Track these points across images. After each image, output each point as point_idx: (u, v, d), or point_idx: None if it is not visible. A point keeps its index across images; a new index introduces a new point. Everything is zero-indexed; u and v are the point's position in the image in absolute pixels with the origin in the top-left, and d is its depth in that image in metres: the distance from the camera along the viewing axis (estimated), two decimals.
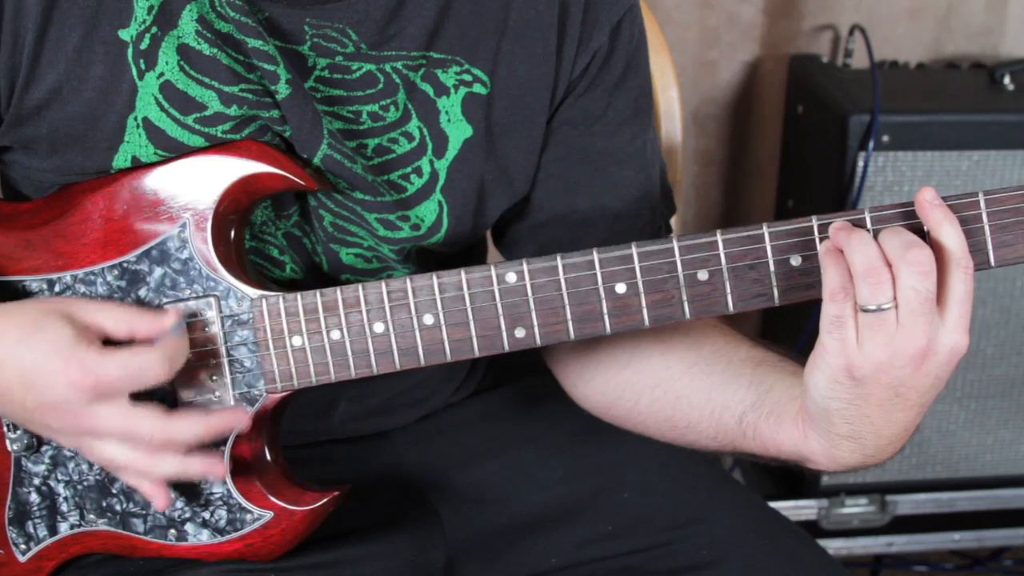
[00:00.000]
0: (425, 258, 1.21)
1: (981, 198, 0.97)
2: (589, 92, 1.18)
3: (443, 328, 1.05)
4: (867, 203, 2.00)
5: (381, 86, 1.11)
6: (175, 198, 1.08)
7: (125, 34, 1.06)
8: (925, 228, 0.97)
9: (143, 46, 1.06)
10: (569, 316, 1.03)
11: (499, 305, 1.04)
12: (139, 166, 1.09)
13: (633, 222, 1.21)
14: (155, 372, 1.00)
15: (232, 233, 1.09)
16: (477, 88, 1.13)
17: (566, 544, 1.22)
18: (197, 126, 1.08)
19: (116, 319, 1.03)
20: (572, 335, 1.04)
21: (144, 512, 1.11)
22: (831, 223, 0.98)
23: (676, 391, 1.15)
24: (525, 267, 1.03)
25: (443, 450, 1.32)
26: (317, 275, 1.18)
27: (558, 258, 1.03)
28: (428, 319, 1.05)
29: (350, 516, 1.16)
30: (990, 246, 0.98)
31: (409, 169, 1.13)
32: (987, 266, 0.98)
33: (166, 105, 1.07)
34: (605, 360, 1.20)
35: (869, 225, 0.98)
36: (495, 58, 1.13)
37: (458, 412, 1.35)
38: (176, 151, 1.09)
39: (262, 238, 1.15)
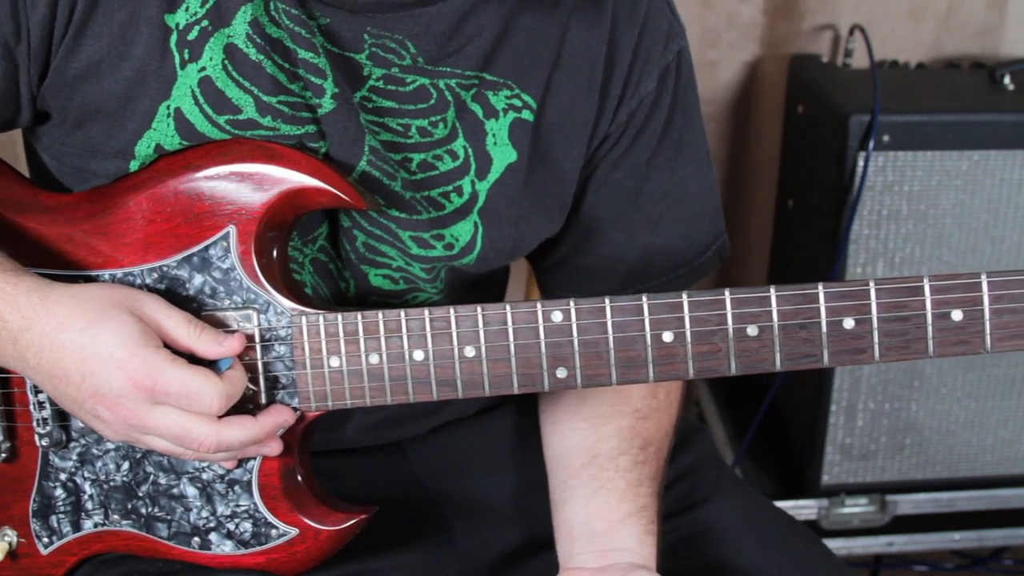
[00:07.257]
0: (453, 279, 1.19)
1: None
2: (639, 136, 1.18)
3: (484, 362, 1.02)
4: (867, 203, 2.00)
5: (433, 102, 1.10)
6: (221, 205, 1.05)
7: (171, 20, 1.04)
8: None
9: (191, 36, 1.04)
10: (613, 361, 1.01)
11: (543, 343, 1.01)
12: (186, 169, 1.06)
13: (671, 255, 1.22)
14: (208, 403, 0.99)
15: (275, 246, 1.07)
16: (525, 115, 1.12)
17: None
18: (228, 127, 1.06)
19: (180, 328, 1.02)
20: (615, 380, 1.01)
21: (169, 518, 1.10)
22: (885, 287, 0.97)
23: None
24: (572, 306, 1.00)
25: (457, 462, 1.30)
26: (341, 301, 1.16)
27: (606, 300, 1.00)
28: (469, 351, 1.02)
29: (365, 529, 1.15)
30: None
31: (450, 187, 1.12)
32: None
33: (201, 100, 1.05)
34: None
35: (927, 293, 0.96)
36: (546, 87, 1.12)
37: (472, 424, 1.34)
38: None
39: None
